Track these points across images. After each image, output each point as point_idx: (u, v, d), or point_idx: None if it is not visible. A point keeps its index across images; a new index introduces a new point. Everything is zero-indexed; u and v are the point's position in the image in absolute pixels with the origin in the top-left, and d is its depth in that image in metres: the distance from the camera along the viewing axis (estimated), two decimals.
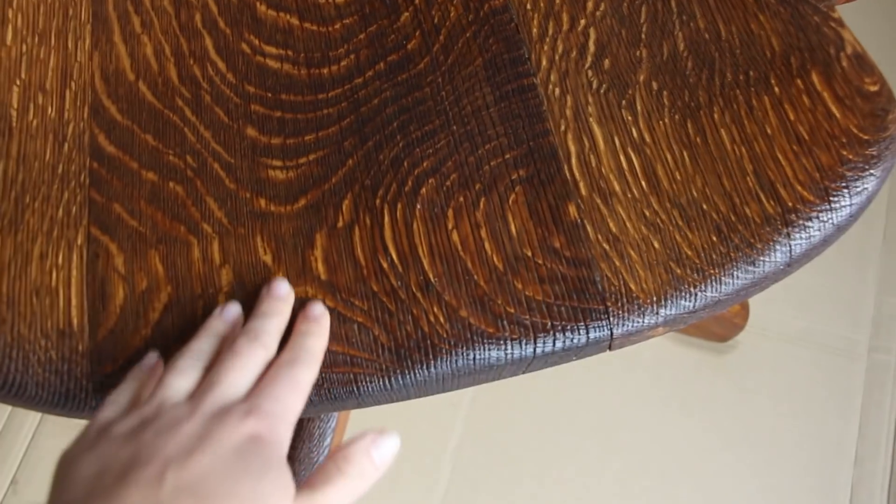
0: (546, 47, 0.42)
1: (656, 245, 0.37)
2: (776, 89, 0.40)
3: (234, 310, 0.36)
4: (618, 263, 0.37)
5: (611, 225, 0.37)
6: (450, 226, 0.37)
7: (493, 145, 0.39)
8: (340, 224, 0.38)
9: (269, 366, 0.34)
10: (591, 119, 0.40)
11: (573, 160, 0.39)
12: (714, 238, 0.37)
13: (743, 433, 0.79)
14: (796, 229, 0.37)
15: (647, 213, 0.38)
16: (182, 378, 0.32)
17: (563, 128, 0.40)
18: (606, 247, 0.37)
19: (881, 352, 0.82)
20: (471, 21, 0.43)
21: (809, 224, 0.37)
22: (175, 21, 0.44)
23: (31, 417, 0.82)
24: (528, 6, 0.44)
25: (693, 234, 0.37)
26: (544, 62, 0.42)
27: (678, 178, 0.38)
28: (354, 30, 0.43)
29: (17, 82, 0.42)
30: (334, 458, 0.32)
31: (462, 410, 0.80)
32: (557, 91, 0.41)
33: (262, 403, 0.31)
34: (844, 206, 0.38)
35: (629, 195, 0.38)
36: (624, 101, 0.40)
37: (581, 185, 0.38)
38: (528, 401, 0.80)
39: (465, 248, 0.37)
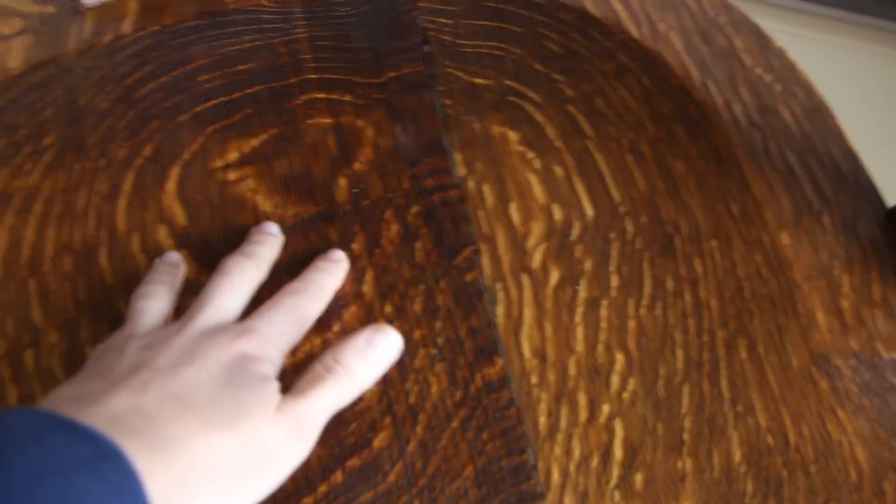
0: (557, 449, 0.32)
1: None
2: None
3: (175, 254, 0.34)
4: None
5: None
6: None
7: None
8: None
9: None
10: None
11: None
12: None
13: None
14: None
15: None
16: (153, 300, 0.31)
17: None
18: None
19: None
20: (458, 402, 0.33)
21: None
22: None
23: None
24: (534, 379, 0.33)
25: None
26: (556, 475, 0.31)
27: None
28: None
29: None
30: (322, 359, 0.29)
31: None
32: None
33: (258, 325, 0.29)
34: None
35: None
36: None
37: None
38: None
39: None
